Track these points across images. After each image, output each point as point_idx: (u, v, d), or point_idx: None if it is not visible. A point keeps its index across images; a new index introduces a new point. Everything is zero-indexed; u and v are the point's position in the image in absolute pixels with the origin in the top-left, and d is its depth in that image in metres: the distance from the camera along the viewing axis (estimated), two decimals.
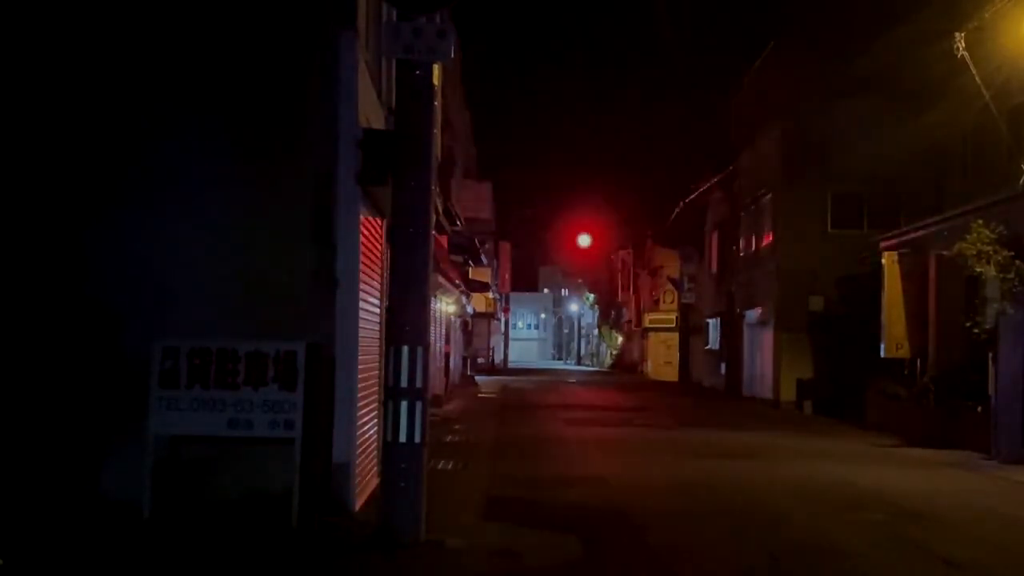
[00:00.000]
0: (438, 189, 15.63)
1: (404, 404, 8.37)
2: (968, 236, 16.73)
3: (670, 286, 49.31)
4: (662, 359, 51.10)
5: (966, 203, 19.15)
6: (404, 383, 8.38)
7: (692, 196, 39.17)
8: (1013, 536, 10.37)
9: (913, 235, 21.65)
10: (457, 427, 19.84)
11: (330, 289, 9.24)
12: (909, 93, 23.25)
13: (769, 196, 30.31)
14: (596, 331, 75.65)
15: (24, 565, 7.32)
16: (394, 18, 8.81)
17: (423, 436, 8.44)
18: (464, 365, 41.07)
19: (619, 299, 63.37)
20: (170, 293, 9.17)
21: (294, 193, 9.29)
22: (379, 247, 11.34)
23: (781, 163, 28.98)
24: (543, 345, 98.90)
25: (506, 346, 65.67)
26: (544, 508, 10.96)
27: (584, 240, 59.83)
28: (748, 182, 33.17)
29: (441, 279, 23.27)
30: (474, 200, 32.71)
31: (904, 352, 21.30)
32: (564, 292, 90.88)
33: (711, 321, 39.14)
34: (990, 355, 16.68)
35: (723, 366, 36.21)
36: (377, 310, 11.04)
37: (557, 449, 16.89)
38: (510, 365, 62.89)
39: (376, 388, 10.75)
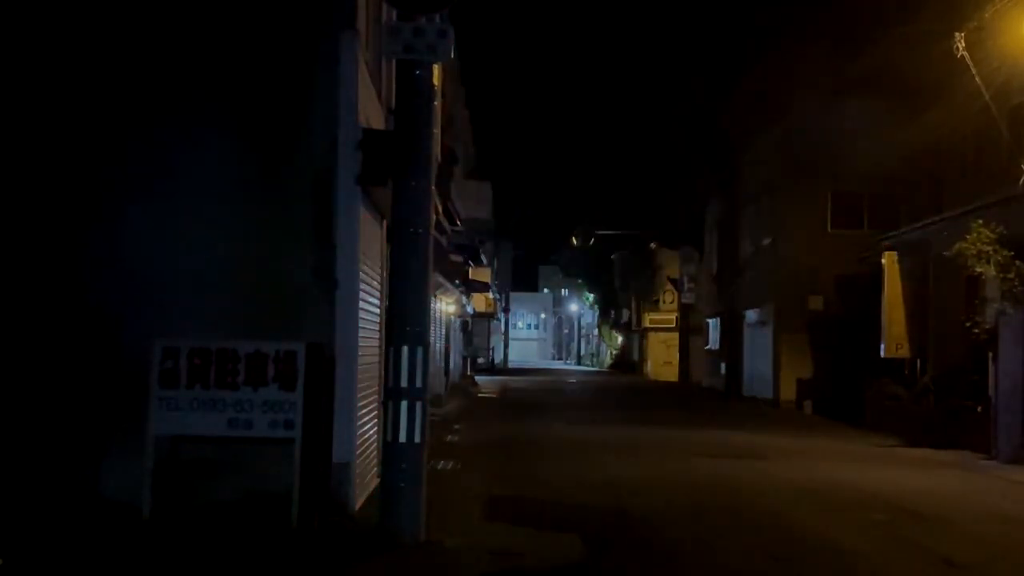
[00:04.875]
0: (438, 189, 15.61)
1: (404, 404, 8.37)
2: (968, 236, 16.74)
3: (670, 286, 49.29)
4: (662, 359, 51.05)
5: (966, 203, 19.15)
6: (404, 383, 8.38)
7: (692, 196, 39.14)
8: (1013, 536, 10.37)
9: (913, 235, 21.66)
10: (457, 427, 19.84)
11: (330, 289, 9.24)
12: (909, 93, 23.23)
13: (769, 196, 30.30)
14: (596, 331, 75.63)
15: (24, 565, 7.32)
16: (394, 18, 8.81)
17: (423, 436, 8.44)
18: (464, 365, 41.05)
19: (619, 299, 63.29)
20: (170, 293, 9.17)
21: (294, 193, 9.28)
22: (379, 247, 11.33)
23: (781, 163, 28.97)
24: (543, 345, 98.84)
25: (506, 346, 65.63)
26: (544, 508, 10.95)
27: (584, 240, 59.66)
28: (748, 182, 33.16)
29: (441, 279, 23.26)
30: (474, 200, 32.66)
31: (904, 352, 21.31)
32: (564, 292, 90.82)
33: (711, 321, 39.12)
34: (990, 355, 16.68)
35: (723, 366, 36.18)
36: (377, 310, 11.04)
37: (557, 449, 16.88)
38: (510, 365, 62.88)
39: (376, 388, 10.75)
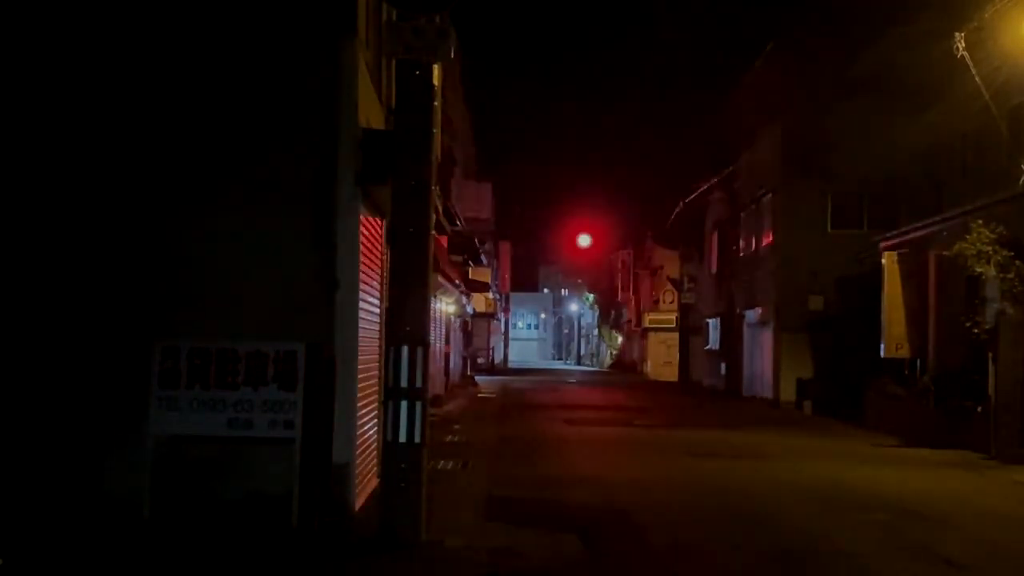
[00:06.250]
0: (438, 189, 15.63)
1: (404, 404, 8.38)
2: (968, 236, 16.75)
3: (670, 286, 49.31)
4: (662, 359, 51.08)
5: (966, 203, 19.16)
6: (404, 383, 8.39)
7: (692, 196, 39.16)
8: (1013, 536, 10.37)
9: (913, 235, 21.67)
10: (457, 427, 19.84)
11: (330, 289, 9.24)
12: (909, 93, 23.26)
13: (769, 196, 30.32)
14: (596, 331, 75.65)
15: (24, 565, 7.32)
16: (394, 18, 8.81)
17: (423, 436, 8.44)
18: (464, 365, 41.06)
19: (619, 299, 63.39)
20: (170, 293, 9.16)
21: (294, 193, 9.28)
22: (379, 247, 11.33)
23: (781, 163, 28.98)
24: (543, 345, 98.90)
25: (506, 346, 65.66)
26: (544, 508, 10.96)
27: (584, 240, 59.82)
28: (748, 182, 33.17)
29: (441, 279, 23.26)
30: (474, 200, 32.70)
31: (904, 352, 21.31)
32: (564, 292, 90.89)
33: (711, 321, 39.13)
34: (990, 355, 16.68)
35: (723, 366, 36.21)
36: (377, 310, 11.04)
37: (557, 449, 16.89)
38: (510, 365, 62.89)
39: (376, 388, 10.75)
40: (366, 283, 10.38)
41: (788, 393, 27.51)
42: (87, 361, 9.00)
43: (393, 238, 8.96)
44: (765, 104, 30.38)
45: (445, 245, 26.26)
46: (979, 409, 17.08)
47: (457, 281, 29.32)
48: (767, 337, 30.08)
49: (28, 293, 9.06)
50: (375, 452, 10.47)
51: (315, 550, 8.10)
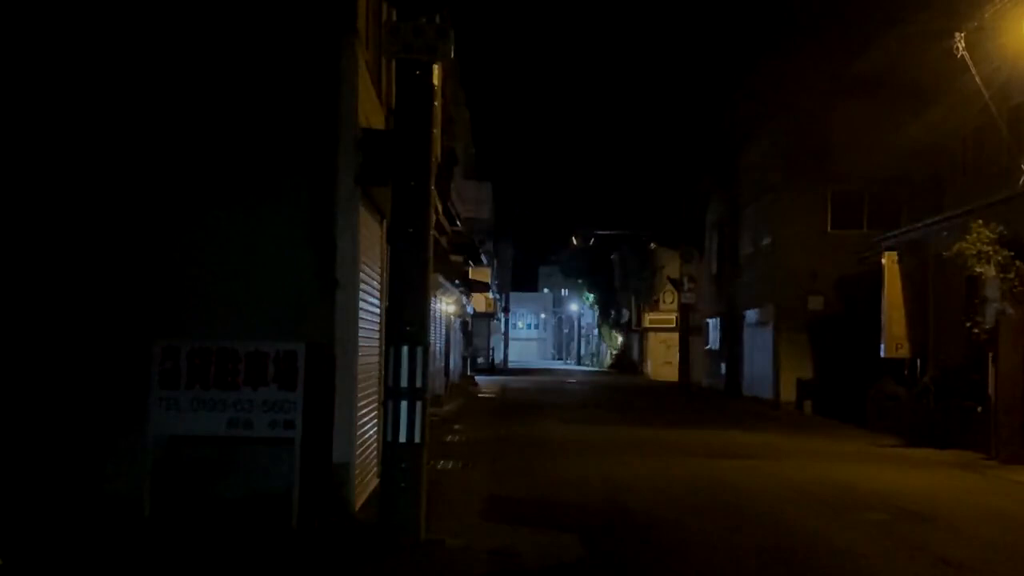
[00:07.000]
0: (438, 189, 15.63)
1: (404, 404, 8.38)
2: (968, 236, 16.75)
3: (670, 286, 49.30)
4: (662, 359, 51.05)
5: (966, 203, 19.16)
6: (404, 383, 8.39)
7: (692, 196, 39.15)
8: (1013, 536, 10.37)
9: (913, 235, 21.67)
10: (457, 427, 19.85)
11: (330, 289, 9.24)
12: (909, 93, 23.26)
13: (769, 196, 30.31)
14: (596, 331, 75.63)
15: (24, 565, 7.32)
16: (394, 18, 8.82)
17: (423, 436, 8.45)
18: (464, 365, 41.07)
19: (619, 299, 63.34)
20: (170, 293, 9.17)
21: (294, 193, 9.29)
22: (379, 247, 11.34)
23: (781, 163, 28.97)
24: (543, 345, 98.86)
25: (506, 346, 65.64)
26: (544, 507, 10.96)
27: (583, 240, 59.69)
28: (748, 182, 33.16)
29: (441, 279, 23.27)
30: (474, 200, 32.68)
31: (904, 352, 21.30)
32: (564, 292, 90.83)
33: (711, 321, 39.12)
34: (990, 355, 16.68)
35: (723, 366, 36.20)
36: (377, 310, 11.05)
37: (557, 449, 16.88)
38: (510, 365, 62.88)
39: (376, 388, 10.76)
40: (366, 283, 10.38)
41: (788, 393, 27.50)
42: (87, 361, 9.01)
43: (393, 238, 8.96)
44: (765, 104, 30.37)
45: (445, 245, 26.25)
46: (979, 409, 17.07)
47: (457, 281, 29.32)
48: (767, 337, 30.06)
49: (29, 294, 9.07)
50: (375, 452, 10.48)
51: (315, 550, 8.11)
